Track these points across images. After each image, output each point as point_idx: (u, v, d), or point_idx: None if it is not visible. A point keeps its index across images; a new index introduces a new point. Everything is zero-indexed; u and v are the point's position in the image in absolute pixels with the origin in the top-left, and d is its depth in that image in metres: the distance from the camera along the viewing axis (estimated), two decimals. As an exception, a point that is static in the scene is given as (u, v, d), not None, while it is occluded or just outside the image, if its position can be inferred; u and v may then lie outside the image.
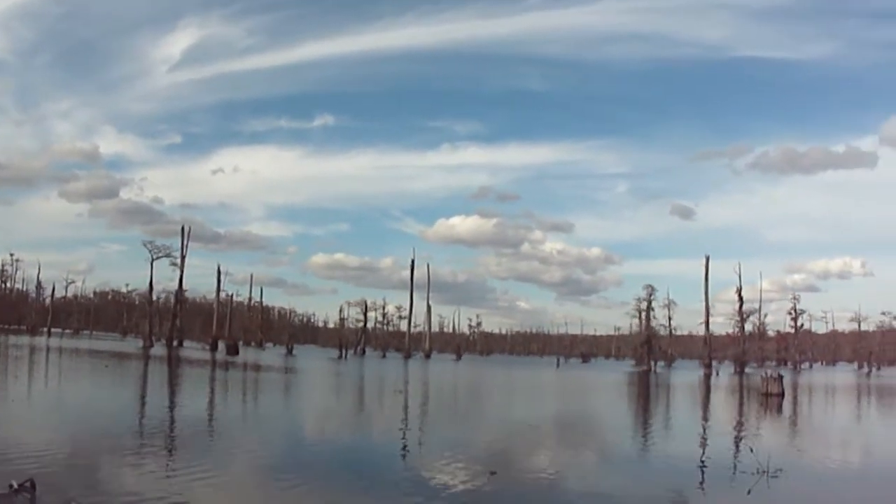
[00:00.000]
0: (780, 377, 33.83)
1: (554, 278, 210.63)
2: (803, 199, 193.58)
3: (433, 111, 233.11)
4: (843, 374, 76.92)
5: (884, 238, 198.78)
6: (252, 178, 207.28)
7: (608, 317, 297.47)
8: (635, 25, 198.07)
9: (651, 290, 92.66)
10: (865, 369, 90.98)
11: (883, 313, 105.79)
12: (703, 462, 14.86)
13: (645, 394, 39.58)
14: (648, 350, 75.10)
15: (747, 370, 72.65)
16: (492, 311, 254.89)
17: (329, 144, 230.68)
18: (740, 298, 78.12)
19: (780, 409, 29.25)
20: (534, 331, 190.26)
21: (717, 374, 66.69)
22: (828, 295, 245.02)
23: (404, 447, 15.37)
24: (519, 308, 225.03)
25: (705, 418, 26.05)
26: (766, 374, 34.40)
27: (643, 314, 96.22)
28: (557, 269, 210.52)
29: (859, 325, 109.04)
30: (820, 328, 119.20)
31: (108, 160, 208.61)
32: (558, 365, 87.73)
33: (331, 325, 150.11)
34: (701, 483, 12.55)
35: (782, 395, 33.09)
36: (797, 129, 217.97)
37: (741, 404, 32.57)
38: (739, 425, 23.21)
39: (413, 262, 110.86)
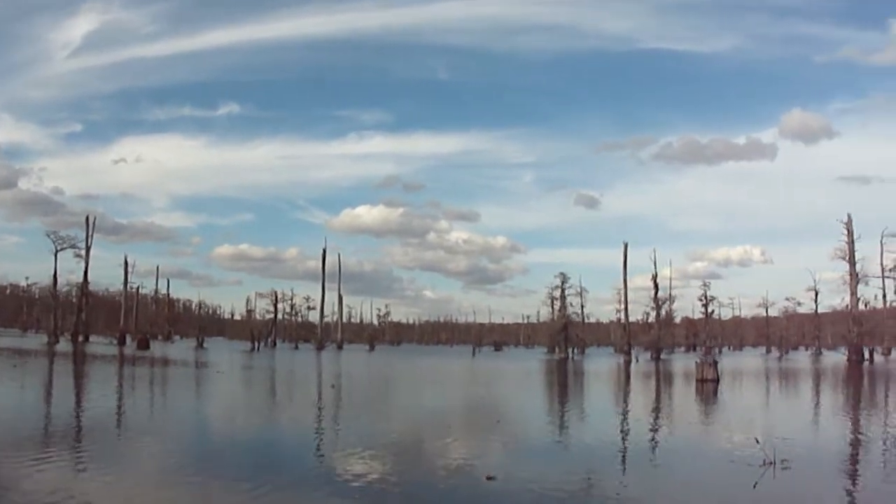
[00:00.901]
0: (715, 363, 33.70)
1: (460, 267, 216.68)
2: (706, 190, 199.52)
3: (340, 100, 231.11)
4: (755, 359, 78.78)
5: (783, 227, 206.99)
6: (155, 168, 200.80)
7: (513, 305, 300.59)
8: (542, 16, 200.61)
9: (563, 277, 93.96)
10: (775, 353, 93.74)
11: (787, 299, 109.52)
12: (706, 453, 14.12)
13: (580, 381, 39.04)
14: (566, 338, 75.28)
15: (662, 356, 73.70)
16: (398, 300, 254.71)
17: (234, 133, 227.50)
18: (655, 286, 78.93)
19: (715, 394, 29.02)
20: (441, 320, 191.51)
21: (637, 360, 67.17)
22: (728, 282, 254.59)
23: (319, 440, 15.10)
24: (425, 297, 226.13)
25: (658, 406, 25.34)
26: (700, 359, 34.18)
27: (555, 302, 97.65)
28: (463, 258, 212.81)
29: (767, 311, 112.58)
30: (724, 314, 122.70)
31: (5, 149, 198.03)
32: (474, 354, 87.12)
33: (238, 317, 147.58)
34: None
35: (717, 380, 32.94)
36: (700, 120, 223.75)
37: (687, 392, 32.24)
38: (705, 413, 22.68)
39: (325, 251, 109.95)
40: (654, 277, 78.68)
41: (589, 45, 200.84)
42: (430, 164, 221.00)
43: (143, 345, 63.53)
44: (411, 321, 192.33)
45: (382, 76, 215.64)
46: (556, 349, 75.11)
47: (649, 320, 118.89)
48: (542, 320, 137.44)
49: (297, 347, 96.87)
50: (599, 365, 59.86)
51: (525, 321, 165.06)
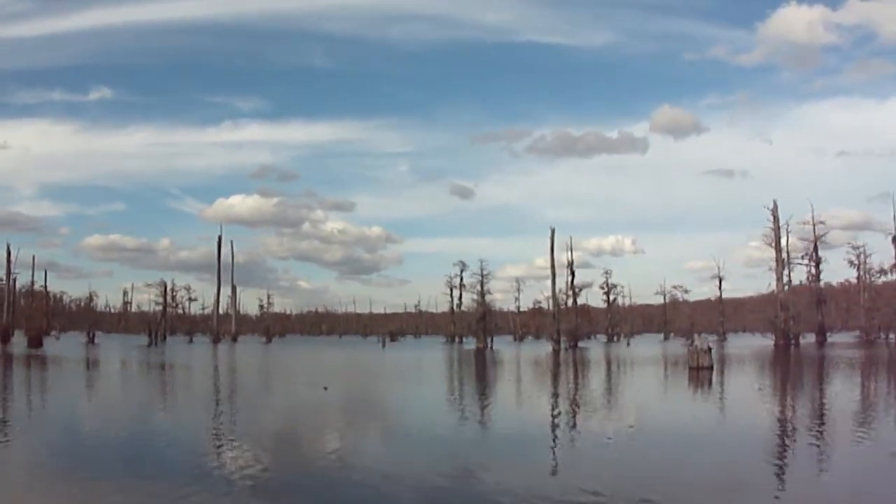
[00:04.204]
0: (710, 349, 31.91)
1: (335, 257, 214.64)
2: (579, 182, 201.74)
3: (214, 87, 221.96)
4: (673, 345, 78.91)
5: (653, 218, 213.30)
6: (22, 155, 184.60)
7: (388, 295, 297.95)
8: (422, 6, 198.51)
9: (462, 265, 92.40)
10: (680, 340, 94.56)
11: (675, 287, 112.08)
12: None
13: (554, 372, 37.23)
14: (484, 327, 73.22)
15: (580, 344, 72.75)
16: (273, 291, 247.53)
17: (105, 119, 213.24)
18: (572, 273, 78.06)
19: (710, 383, 27.29)
20: (317, 310, 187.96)
21: (566, 349, 65.72)
22: (600, 271, 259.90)
23: (218, 438, 14.29)
24: (300, 288, 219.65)
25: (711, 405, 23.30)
26: (694, 346, 32.30)
27: (460, 290, 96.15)
28: (338, 248, 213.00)
29: (665, 298, 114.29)
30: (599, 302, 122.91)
31: None
32: (384, 345, 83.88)
33: (112, 310, 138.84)
34: None
35: (712, 368, 31.18)
36: (574, 113, 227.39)
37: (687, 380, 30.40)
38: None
39: (220, 239, 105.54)
40: (571, 264, 77.76)
41: (467, 35, 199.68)
42: (306, 153, 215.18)
43: (36, 342, 56.93)
44: (288, 312, 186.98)
45: (259, 63, 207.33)
46: (477, 338, 72.90)
47: (540, 307, 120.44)
48: (439, 310, 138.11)
49: (191, 341, 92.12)
50: (531, 353, 58.52)
51: (416, 310, 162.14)
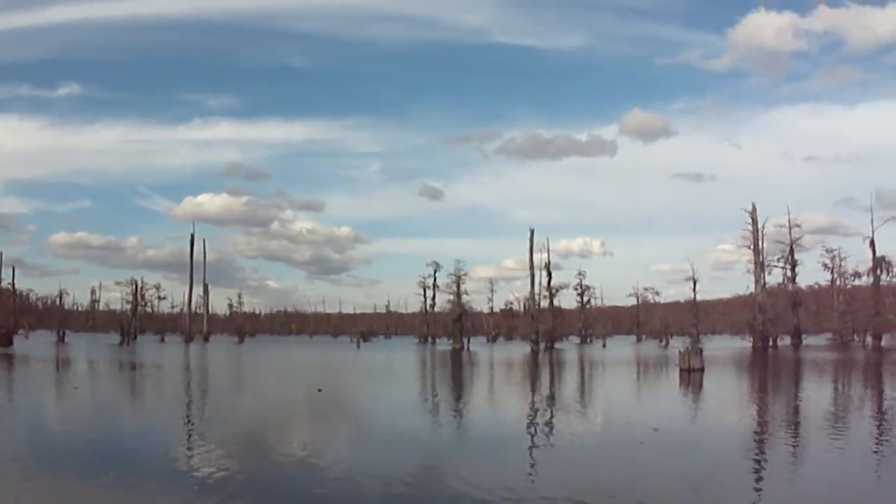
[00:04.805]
0: (701, 350, 31.76)
1: (304, 257, 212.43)
2: (549, 183, 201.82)
3: (185, 84, 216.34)
4: (648, 347, 79.01)
5: (622, 220, 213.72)
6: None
7: (357, 295, 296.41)
8: (397, 6, 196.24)
9: (436, 266, 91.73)
10: (654, 342, 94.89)
11: (646, 289, 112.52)
12: None
13: (550, 374, 37.04)
14: (461, 328, 72.79)
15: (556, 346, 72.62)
16: (241, 290, 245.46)
17: (74, 115, 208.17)
18: (549, 274, 77.64)
19: (701, 385, 27.17)
20: (286, 310, 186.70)
21: (545, 350, 65.49)
22: (568, 273, 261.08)
23: (189, 437, 14.48)
24: (268, 287, 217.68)
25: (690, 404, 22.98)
26: (686, 347, 32.14)
27: (433, 290, 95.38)
28: (307, 248, 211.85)
29: (638, 300, 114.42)
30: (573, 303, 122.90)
31: None
32: (359, 345, 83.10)
33: (79, 309, 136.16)
34: None
35: (703, 370, 30.99)
36: (545, 116, 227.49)
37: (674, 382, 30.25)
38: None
39: (192, 237, 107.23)
40: (548, 265, 77.39)
41: (441, 36, 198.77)
42: (277, 153, 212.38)
43: (5, 341, 55.47)
44: (257, 311, 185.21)
45: (233, 61, 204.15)
46: (453, 339, 72.46)
47: (511, 308, 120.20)
48: (409, 310, 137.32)
49: (163, 340, 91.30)
50: (506, 354, 58.28)
51: (387, 310, 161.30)
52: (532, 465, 11.87)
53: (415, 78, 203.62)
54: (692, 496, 9.61)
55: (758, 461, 12.29)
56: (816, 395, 24.51)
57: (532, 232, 71.28)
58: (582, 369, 40.13)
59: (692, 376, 29.62)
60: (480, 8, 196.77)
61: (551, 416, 18.41)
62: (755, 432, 15.76)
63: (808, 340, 69.44)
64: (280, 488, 9.93)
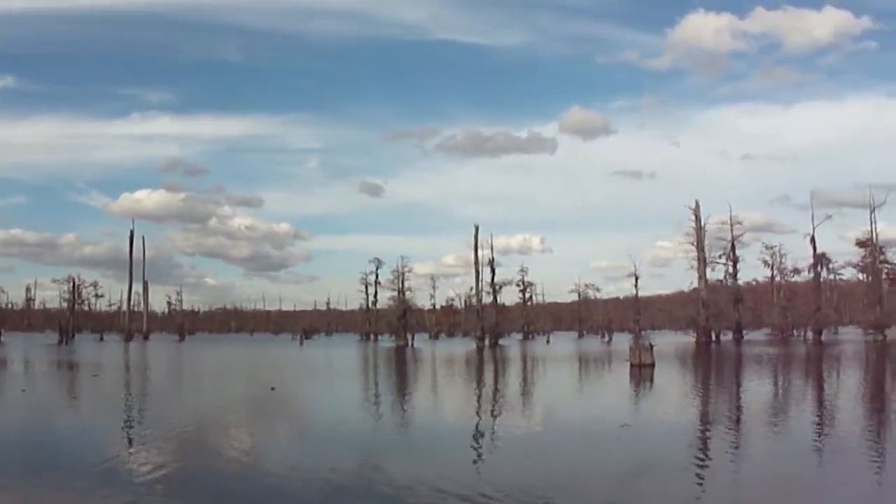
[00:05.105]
0: (651, 346, 31.36)
1: (242, 254, 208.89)
2: (488, 181, 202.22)
3: (123, 78, 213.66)
4: (590, 343, 79.02)
5: (561, 217, 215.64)
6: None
7: (297, 292, 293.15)
8: (337, 2, 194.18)
9: (378, 262, 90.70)
10: (596, 337, 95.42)
11: (587, 286, 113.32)
12: None
13: (497, 370, 36.41)
14: (405, 324, 71.97)
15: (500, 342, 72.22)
16: (179, 288, 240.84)
17: (8, 109, 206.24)
18: (492, 270, 77.14)
19: (651, 380, 26.82)
20: (225, 307, 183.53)
21: (489, 346, 65.02)
22: (508, 269, 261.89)
23: (130, 438, 13.89)
24: (206, 284, 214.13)
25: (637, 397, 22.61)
26: (636, 343, 31.73)
27: (375, 287, 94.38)
28: (246, 244, 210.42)
29: (580, 296, 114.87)
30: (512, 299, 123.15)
31: None
32: (301, 342, 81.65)
33: (15, 307, 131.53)
34: None
35: (653, 365, 30.57)
36: (485, 113, 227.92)
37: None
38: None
39: (132, 233, 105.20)
40: (492, 262, 76.92)
41: (382, 32, 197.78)
42: (215, 148, 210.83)
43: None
44: (196, 309, 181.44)
45: (170, 55, 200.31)
46: (396, 336, 71.62)
47: (452, 305, 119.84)
48: (349, 307, 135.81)
49: (102, 339, 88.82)
50: (451, 350, 57.66)
51: (326, 307, 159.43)
52: (475, 462, 11.44)
53: (355, 74, 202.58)
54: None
55: (699, 456, 11.71)
56: (768, 388, 24.56)
57: (477, 228, 71.06)
58: (531, 366, 39.78)
59: (643, 372, 29.19)
60: (422, 5, 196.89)
61: (500, 413, 17.73)
62: (721, 426, 15.24)
63: (748, 335, 70.30)
64: (219, 486, 9.66)
